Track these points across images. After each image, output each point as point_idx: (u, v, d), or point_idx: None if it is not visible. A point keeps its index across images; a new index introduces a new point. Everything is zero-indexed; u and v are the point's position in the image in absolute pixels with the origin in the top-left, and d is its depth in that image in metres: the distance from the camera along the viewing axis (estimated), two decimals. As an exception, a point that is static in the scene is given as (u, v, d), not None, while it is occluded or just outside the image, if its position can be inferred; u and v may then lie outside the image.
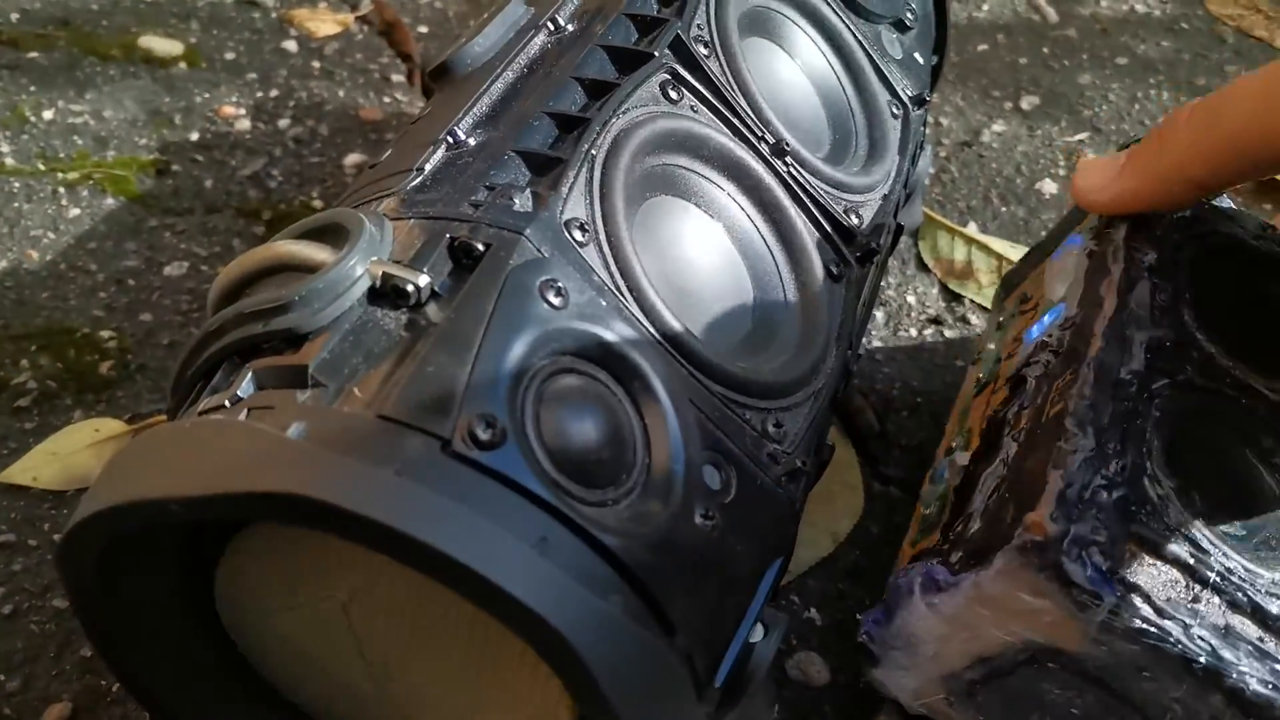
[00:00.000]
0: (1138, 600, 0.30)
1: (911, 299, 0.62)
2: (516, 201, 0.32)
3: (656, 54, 0.39)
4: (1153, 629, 0.30)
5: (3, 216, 0.62)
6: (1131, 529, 0.30)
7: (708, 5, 0.43)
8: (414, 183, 0.35)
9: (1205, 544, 0.31)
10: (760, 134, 0.41)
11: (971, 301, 0.62)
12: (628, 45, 0.41)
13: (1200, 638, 0.30)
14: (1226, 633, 0.30)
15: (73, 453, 0.51)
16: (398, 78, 0.76)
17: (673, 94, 0.39)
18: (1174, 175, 0.38)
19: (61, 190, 0.65)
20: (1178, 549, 0.31)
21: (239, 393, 0.29)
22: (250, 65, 0.76)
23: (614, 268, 0.33)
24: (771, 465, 0.35)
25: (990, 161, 0.73)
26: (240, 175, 0.67)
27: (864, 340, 0.59)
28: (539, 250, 0.31)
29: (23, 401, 0.53)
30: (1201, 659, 0.30)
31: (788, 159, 0.42)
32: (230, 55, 0.76)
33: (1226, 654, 0.30)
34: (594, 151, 0.35)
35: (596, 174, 0.35)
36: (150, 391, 0.54)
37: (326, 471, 0.25)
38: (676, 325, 0.34)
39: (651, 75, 0.39)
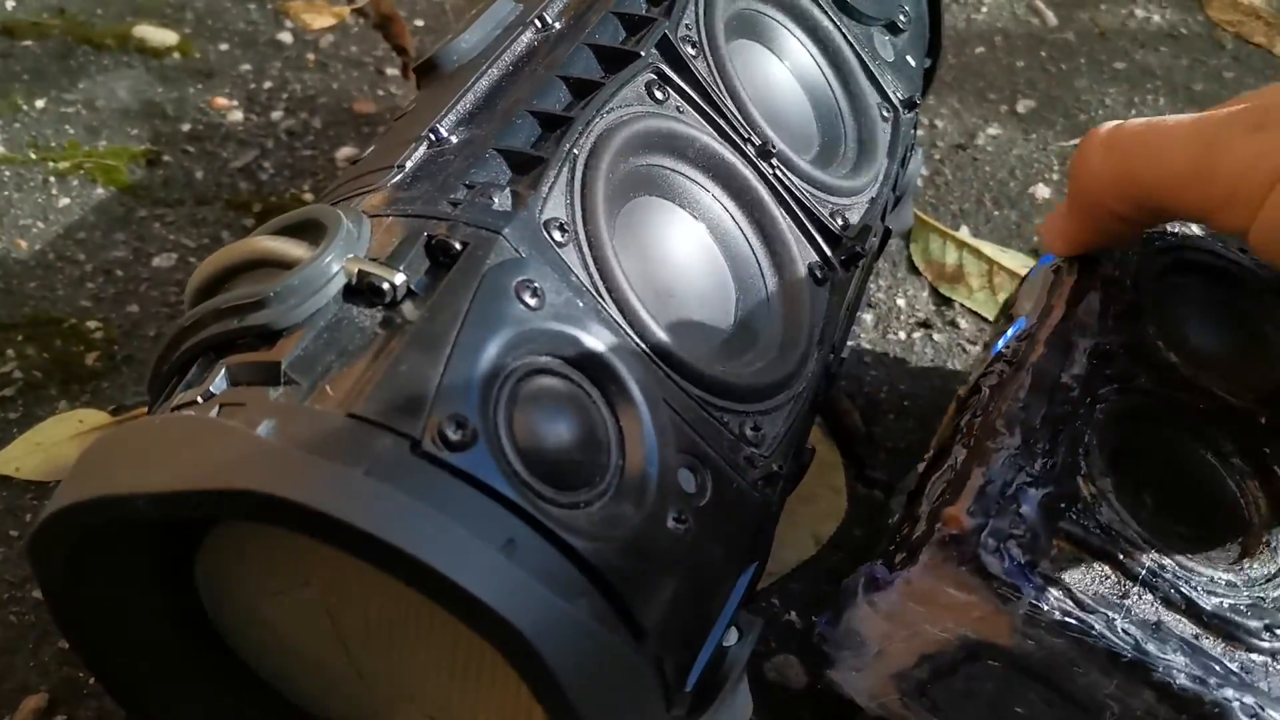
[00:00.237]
0: (1058, 593, 0.30)
1: (901, 302, 0.62)
2: (495, 200, 0.32)
3: (643, 53, 0.39)
4: (1074, 622, 0.30)
5: (-8, 205, 0.62)
6: (1059, 525, 0.31)
7: (696, 6, 0.43)
8: (394, 180, 0.35)
9: (1140, 541, 0.32)
10: (746, 135, 0.41)
11: (961, 306, 0.62)
12: (614, 44, 0.41)
13: (1125, 631, 0.30)
14: (1157, 628, 0.31)
15: (56, 444, 0.51)
16: (392, 71, 0.76)
17: (658, 94, 0.39)
18: (1098, 209, 0.39)
19: (52, 179, 0.64)
20: (1107, 546, 0.31)
21: (212, 389, 0.29)
22: (244, 57, 0.76)
23: (593, 269, 0.33)
24: (748, 469, 0.34)
25: (984, 165, 0.73)
26: (231, 167, 0.67)
27: (852, 342, 0.59)
28: (517, 250, 0.31)
29: (7, 391, 0.53)
30: (1127, 654, 0.30)
31: (774, 161, 0.42)
32: (224, 46, 0.76)
33: (1152, 648, 0.30)
34: (576, 151, 0.35)
35: (578, 174, 0.35)
36: (135, 383, 0.54)
37: (294, 470, 0.25)
38: (655, 327, 0.33)
39: (637, 75, 0.39)
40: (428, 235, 0.31)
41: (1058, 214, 0.42)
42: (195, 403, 0.28)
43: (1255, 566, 0.34)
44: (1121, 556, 0.31)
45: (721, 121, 0.41)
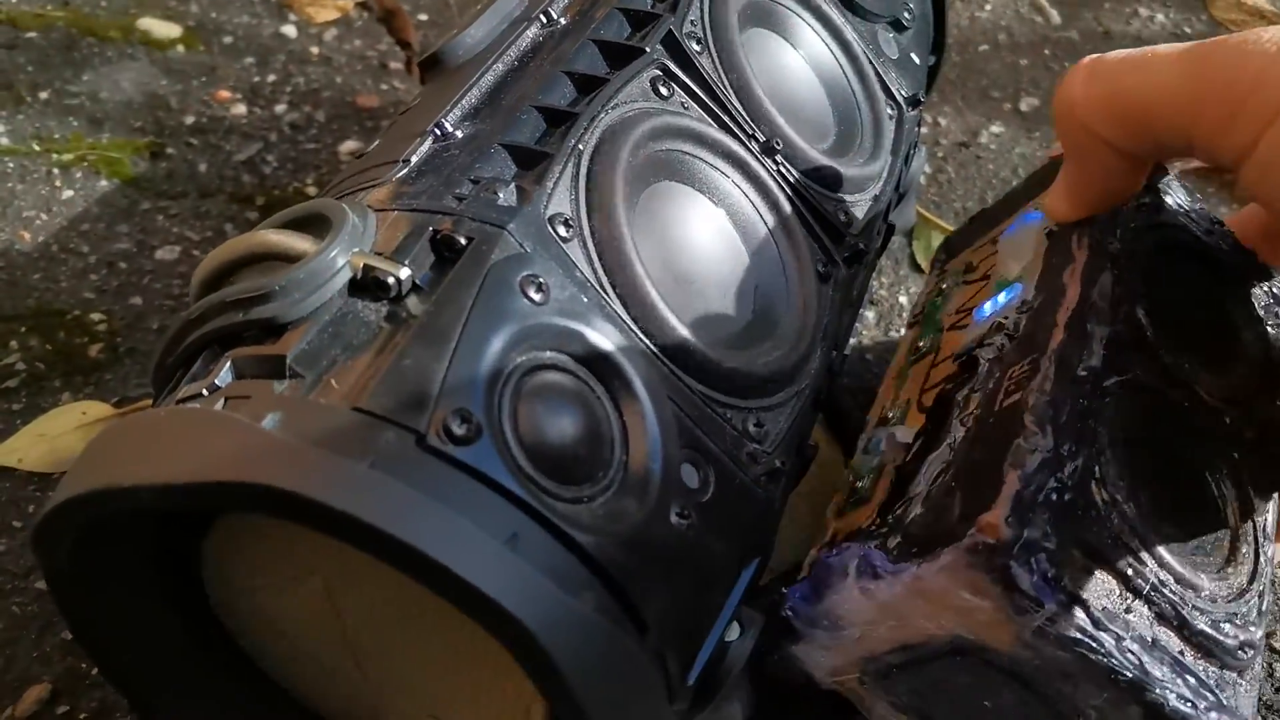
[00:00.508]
0: (1077, 610, 0.29)
1: (904, 299, 0.62)
2: (500, 195, 0.32)
3: (648, 49, 0.39)
4: (1087, 639, 0.29)
5: (-4, 196, 0.63)
6: (1078, 535, 0.30)
7: (702, 1, 0.43)
8: (399, 174, 0.35)
9: (1143, 553, 0.31)
10: (750, 131, 0.41)
11: (963, 303, 0.62)
12: (619, 40, 0.41)
13: (1130, 651, 0.29)
14: (1152, 645, 0.30)
15: (60, 435, 0.51)
16: (396, 65, 0.76)
17: (663, 90, 0.39)
18: (1090, 143, 0.36)
19: (55, 171, 0.65)
20: (1117, 558, 0.30)
21: (217, 381, 0.29)
22: (248, 49, 0.76)
23: (597, 264, 0.33)
24: (751, 465, 0.35)
25: (987, 163, 0.73)
26: (235, 160, 0.67)
27: (854, 340, 0.59)
28: (521, 245, 0.31)
29: (11, 383, 0.53)
30: (1129, 673, 0.29)
31: (778, 157, 0.42)
32: (228, 39, 0.76)
33: (1153, 670, 0.30)
34: (581, 147, 0.35)
35: (583, 169, 0.35)
36: (138, 375, 0.54)
37: (299, 464, 0.25)
38: (664, 319, 0.33)
39: (642, 71, 0.39)
40: (433, 230, 0.31)
41: (1057, 180, 0.39)
42: (200, 395, 0.28)
43: (1233, 578, 0.34)
44: (1129, 570, 0.30)
45: (725, 117, 0.41)
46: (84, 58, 0.73)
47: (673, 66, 0.40)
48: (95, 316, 0.57)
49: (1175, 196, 0.41)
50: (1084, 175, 0.38)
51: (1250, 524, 0.35)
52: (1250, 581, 0.34)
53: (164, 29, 0.76)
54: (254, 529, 0.32)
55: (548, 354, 0.30)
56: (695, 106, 0.40)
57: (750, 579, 0.34)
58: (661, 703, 0.29)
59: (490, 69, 0.39)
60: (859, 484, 0.38)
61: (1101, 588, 0.30)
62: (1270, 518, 0.36)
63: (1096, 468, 0.31)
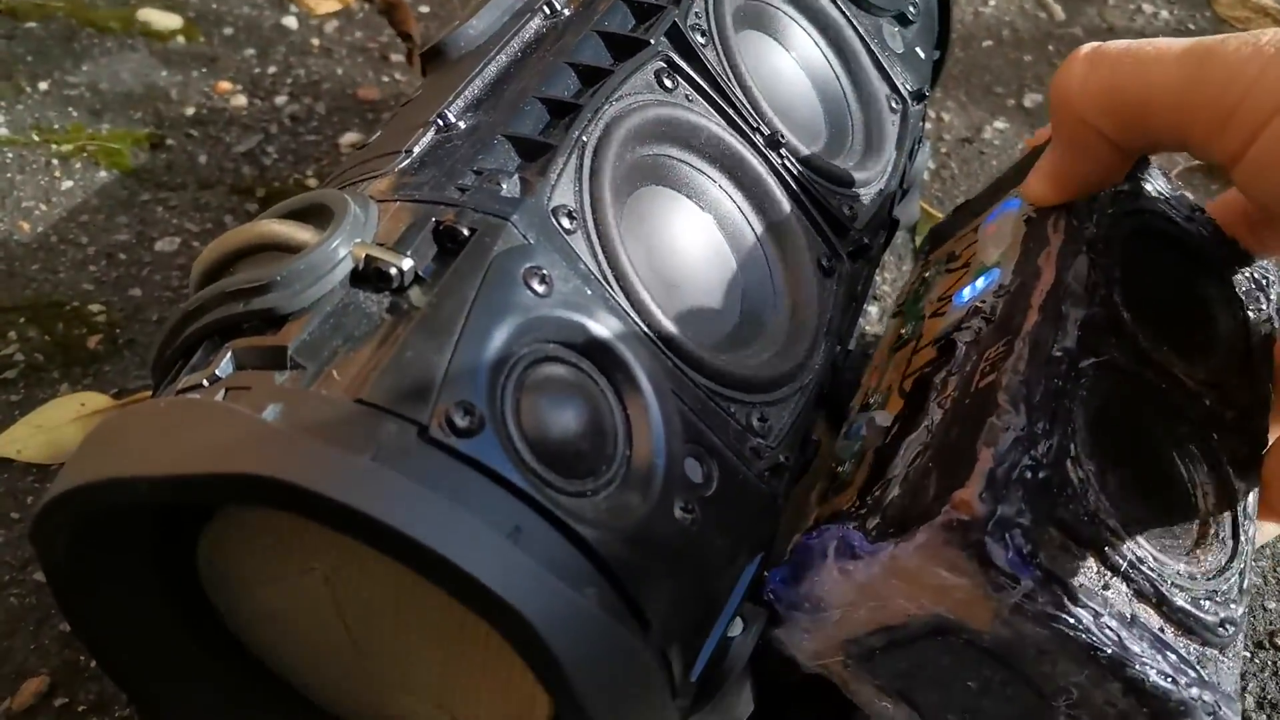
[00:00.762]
0: (1054, 586, 0.29)
1: (906, 295, 0.62)
2: (504, 187, 0.32)
3: (652, 41, 0.39)
4: (1065, 616, 0.29)
5: (-5, 187, 0.62)
6: (1054, 513, 0.30)
7: (706, -6, 0.42)
8: (402, 165, 0.34)
9: (1120, 531, 0.31)
10: (755, 125, 0.41)
11: (966, 299, 0.62)
12: (623, 32, 0.40)
13: (1108, 627, 0.30)
14: (1131, 622, 0.30)
15: (58, 426, 0.51)
16: (397, 57, 0.76)
17: (667, 82, 0.39)
18: (1082, 132, 0.36)
19: (55, 162, 0.64)
20: (1094, 535, 0.30)
21: (217, 372, 0.28)
22: (249, 41, 0.75)
23: (601, 257, 0.33)
24: (754, 460, 0.34)
25: (991, 159, 0.72)
26: (235, 152, 0.67)
27: (858, 335, 0.59)
28: (525, 237, 0.31)
29: (9, 374, 0.53)
30: (1108, 649, 0.29)
31: (782, 151, 0.41)
32: (229, 30, 0.76)
33: (1132, 646, 0.30)
34: (584, 138, 0.35)
35: (586, 161, 0.35)
36: (138, 367, 0.54)
37: (300, 455, 0.25)
38: (662, 316, 0.33)
39: (646, 63, 0.39)
40: (435, 221, 0.31)
41: (1041, 160, 0.39)
42: (200, 386, 0.28)
43: (1208, 558, 0.34)
44: (1106, 547, 0.30)
45: (730, 111, 0.41)
46: (84, 48, 0.73)
47: (677, 59, 0.40)
48: (94, 308, 0.56)
49: (1154, 183, 0.42)
50: (1071, 162, 0.38)
51: (1229, 503, 0.35)
52: (1230, 559, 0.34)
53: (164, 20, 0.76)
54: (254, 521, 0.32)
55: (551, 346, 0.30)
56: (699, 99, 0.40)
57: (753, 574, 0.34)
58: (664, 698, 0.29)
59: (493, 60, 0.39)
60: (840, 469, 0.38)
61: (1079, 565, 0.30)
62: (1252, 497, 0.36)
63: (1072, 446, 0.32)
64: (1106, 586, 0.30)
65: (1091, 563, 0.30)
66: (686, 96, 0.40)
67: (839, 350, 0.41)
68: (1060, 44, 0.84)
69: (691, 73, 0.40)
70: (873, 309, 0.61)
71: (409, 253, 0.30)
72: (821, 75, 0.48)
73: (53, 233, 0.60)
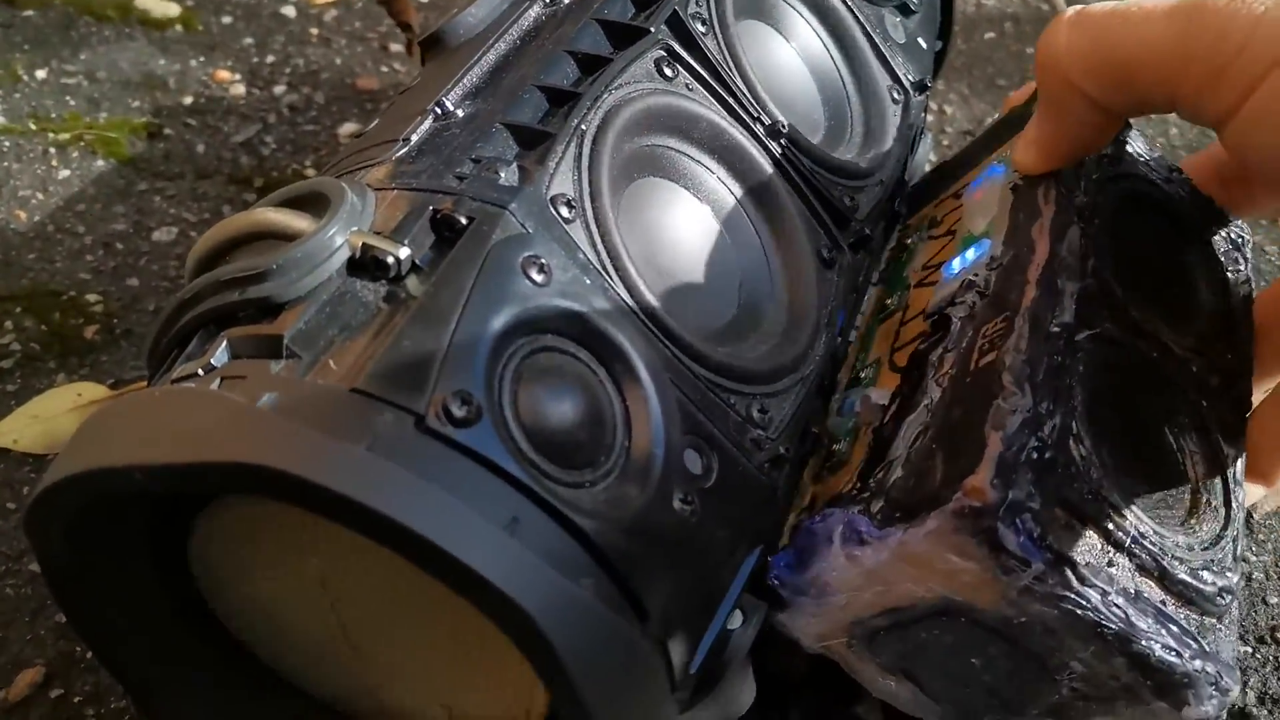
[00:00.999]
0: (1062, 567, 0.29)
1: (907, 287, 0.62)
2: (502, 175, 0.32)
3: (652, 29, 0.39)
4: (1073, 595, 0.29)
5: (-9, 176, 0.62)
6: (1060, 493, 0.30)
7: (707, -18, 0.42)
8: (400, 153, 0.34)
9: (1121, 507, 0.31)
10: (756, 115, 0.41)
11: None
12: (623, 20, 0.40)
13: (1115, 604, 0.30)
14: (1136, 598, 0.30)
15: (54, 416, 0.50)
16: (396, 47, 0.76)
17: (667, 71, 0.39)
18: (1069, 96, 0.35)
19: (52, 151, 0.64)
20: (1098, 513, 0.30)
21: (213, 361, 0.28)
22: (247, 30, 0.75)
23: (600, 246, 0.33)
24: (755, 451, 0.34)
25: (992, 151, 0.72)
26: (233, 141, 0.66)
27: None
28: (523, 226, 0.31)
29: (5, 363, 0.53)
30: (1114, 626, 0.29)
31: (783, 140, 0.41)
32: (227, 19, 0.76)
33: (1138, 621, 0.30)
34: (584, 127, 0.35)
35: (585, 150, 0.34)
36: (134, 357, 0.54)
37: (295, 445, 0.24)
38: (661, 306, 0.33)
39: (646, 51, 0.38)
40: (433, 209, 0.31)
41: (1028, 128, 0.39)
42: (196, 375, 0.28)
43: (1203, 527, 0.34)
44: (1109, 524, 0.30)
45: (731, 100, 0.40)
46: (81, 37, 0.72)
47: (677, 47, 0.39)
48: (91, 297, 0.56)
49: (1134, 145, 0.42)
50: (1059, 127, 0.37)
51: (1219, 470, 0.35)
52: (1224, 527, 0.34)
53: (162, 8, 0.75)
54: (249, 511, 0.32)
55: (549, 336, 0.30)
56: (700, 88, 0.40)
57: (753, 567, 0.34)
58: (663, 691, 0.29)
59: (492, 48, 0.39)
60: (836, 446, 0.38)
61: (1084, 543, 0.30)
62: (1240, 463, 0.37)
63: (1073, 424, 0.31)
64: (1111, 563, 0.30)
65: (1096, 540, 0.30)
66: (686, 85, 0.39)
67: (840, 342, 0.41)
68: (1063, 36, 0.83)
69: (692, 61, 0.40)
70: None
71: (406, 241, 0.30)
72: (822, 65, 0.48)
73: (50, 222, 0.60)
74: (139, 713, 0.40)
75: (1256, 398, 0.38)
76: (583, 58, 0.38)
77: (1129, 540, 0.31)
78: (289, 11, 0.77)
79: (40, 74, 0.69)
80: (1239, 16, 0.30)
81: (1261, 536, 0.50)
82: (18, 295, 0.56)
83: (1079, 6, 0.34)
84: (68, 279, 0.57)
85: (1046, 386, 0.32)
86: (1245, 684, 0.44)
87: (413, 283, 0.29)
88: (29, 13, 0.73)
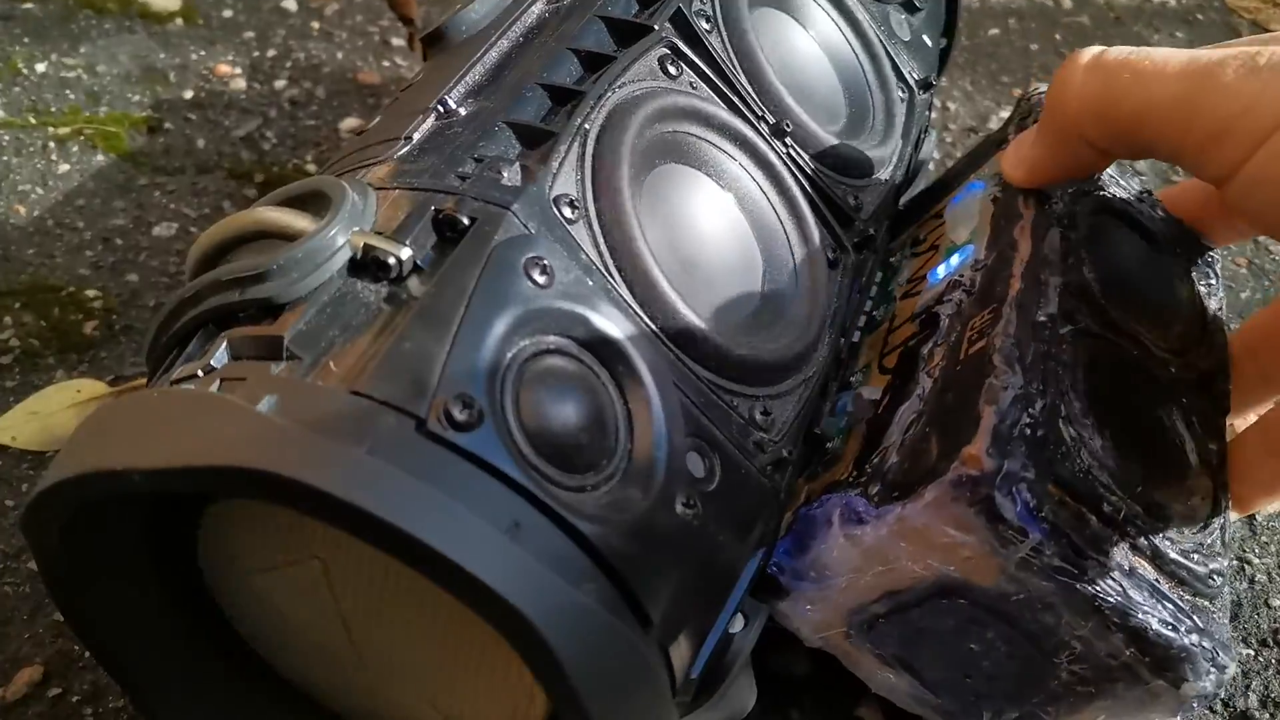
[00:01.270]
0: (1059, 540, 0.30)
1: (910, 286, 0.61)
2: (504, 175, 0.31)
3: (656, 27, 0.38)
4: (1070, 568, 0.30)
5: (-9, 170, 0.62)
6: (1053, 469, 0.30)
7: (711, -21, 0.42)
8: (401, 152, 0.34)
9: (1112, 487, 0.32)
10: (760, 113, 0.40)
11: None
12: (627, 17, 0.40)
13: (1112, 579, 0.30)
14: (1131, 574, 0.31)
15: (53, 413, 0.50)
16: (398, 42, 0.75)
17: (671, 69, 0.38)
18: (1073, 135, 0.36)
19: (52, 145, 0.64)
20: (1090, 491, 0.31)
21: (212, 362, 0.28)
22: (248, 24, 0.75)
23: (603, 247, 0.33)
24: (757, 453, 0.34)
25: (996, 148, 0.72)
26: (234, 136, 0.66)
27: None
28: (525, 226, 0.31)
29: (4, 359, 0.52)
30: (1111, 599, 0.30)
31: (787, 140, 0.41)
32: (228, 13, 0.75)
33: (1135, 595, 0.30)
34: (587, 126, 0.34)
35: (589, 149, 0.34)
36: (134, 353, 0.53)
37: (296, 449, 0.24)
38: (668, 307, 0.33)
39: (650, 49, 0.38)
40: (435, 209, 0.30)
41: (1023, 141, 0.39)
42: (196, 376, 0.28)
43: (1191, 513, 0.34)
44: (1101, 504, 0.31)
45: (735, 99, 0.40)
46: (81, 30, 0.72)
47: (681, 45, 0.39)
48: (90, 293, 0.56)
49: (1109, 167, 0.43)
50: (1054, 156, 0.38)
51: (1204, 459, 0.36)
52: (1212, 513, 0.35)
53: (163, 2, 0.75)
54: (250, 511, 0.31)
55: (551, 338, 0.30)
56: (704, 86, 0.40)
57: (755, 570, 0.33)
58: (664, 696, 0.29)
59: (494, 45, 0.39)
60: (829, 445, 0.39)
61: (1078, 520, 0.30)
62: (1224, 454, 0.37)
63: (1062, 406, 0.32)
64: (1106, 540, 0.31)
65: (1090, 518, 0.31)
66: (690, 84, 0.39)
67: (843, 342, 0.40)
68: (1067, 32, 0.83)
69: (696, 59, 0.39)
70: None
71: (408, 241, 0.29)
72: (841, 54, 0.47)
73: (49, 216, 0.59)
74: (136, 712, 0.40)
75: (1240, 424, 0.40)
76: (586, 55, 0.38)
77: (1120, 519, 0.31)
78: (290, 5, 0.76)
79: (40, 67, 0.69)
80: (1246, 77, 0.31)
81: (1265, 539, 0.50)
82: (17, 290, 0.55)
83: (1096, 50, 0.35)
84: (67, 274, 0.57)
85: (1035, 369, 0.32)
86: (1248, 687, 0.44)
87: (414, 284, 0.29)
88: (29, 5, 0.73)
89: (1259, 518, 0.51)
